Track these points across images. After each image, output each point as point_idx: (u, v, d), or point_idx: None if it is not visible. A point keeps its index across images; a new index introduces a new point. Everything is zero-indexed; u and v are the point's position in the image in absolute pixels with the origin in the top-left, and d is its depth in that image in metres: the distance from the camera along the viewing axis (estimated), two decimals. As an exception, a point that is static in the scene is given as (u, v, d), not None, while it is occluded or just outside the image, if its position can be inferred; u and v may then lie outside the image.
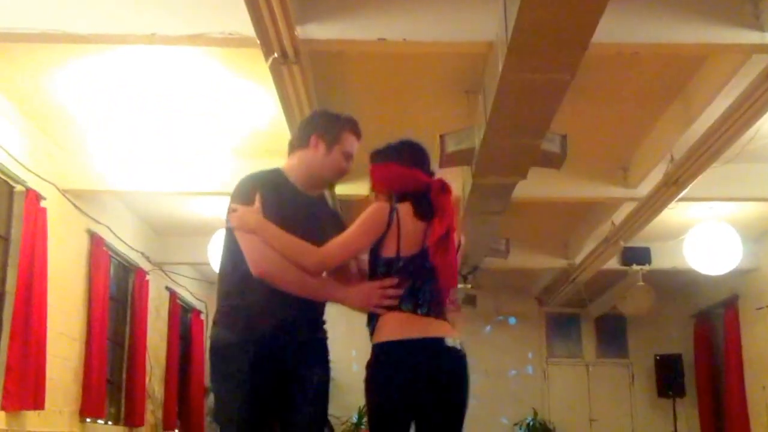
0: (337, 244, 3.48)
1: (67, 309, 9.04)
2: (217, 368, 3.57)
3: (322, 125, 3.73)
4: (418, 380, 3.37)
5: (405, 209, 3.52)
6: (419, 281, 3.49)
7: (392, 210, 3.50)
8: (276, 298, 3.45)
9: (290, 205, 3.58)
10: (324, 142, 3.66)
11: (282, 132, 7.77)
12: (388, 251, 3.48)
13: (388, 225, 3.46)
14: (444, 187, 3.63)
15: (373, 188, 3.74)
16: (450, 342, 3.54)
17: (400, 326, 3.44)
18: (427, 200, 3.55)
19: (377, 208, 3.51)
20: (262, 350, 3.45)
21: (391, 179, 3.66)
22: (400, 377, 3.38)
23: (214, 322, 3.62)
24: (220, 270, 3.70)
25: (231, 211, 3.55)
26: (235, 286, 3.58)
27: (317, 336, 3.68)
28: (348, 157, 3.70)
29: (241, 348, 3.46)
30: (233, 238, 3.56)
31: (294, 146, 3.79)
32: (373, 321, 3.51)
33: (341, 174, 3.73)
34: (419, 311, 3.48)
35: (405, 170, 3.64)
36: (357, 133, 3.78)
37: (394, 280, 3.44)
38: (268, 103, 7.46)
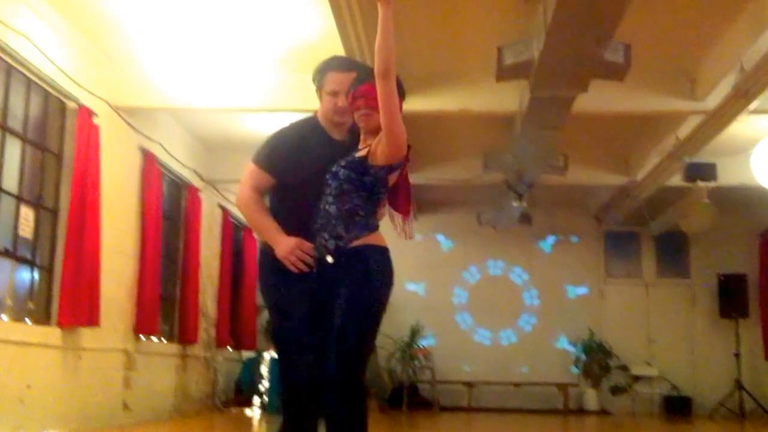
0: None
1: (120, 226, 9.05)
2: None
3: (314, 79, 3.99)
4: None
5: None
6: None
7: None
8: None
9: (307, 152, 3.86)
10: (318, 93, 3.96)
11: (330, 45, 7.57)
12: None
13: None
14: None
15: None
16: None
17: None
18: None
19: None
20: None
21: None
22: None
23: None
24: None
25: None
26: None
27: None
28: (335, 94, 3.87)
29: None
30: None
31: None
32: (360, 230, 3.66)
33: (340, 112, 3.87)
34: None
35: None
36: (338, 68, 3.93)
37: (311, 246, 3.71)
38: (316, 16, 7.26)
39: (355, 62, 4.08)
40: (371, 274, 3.60)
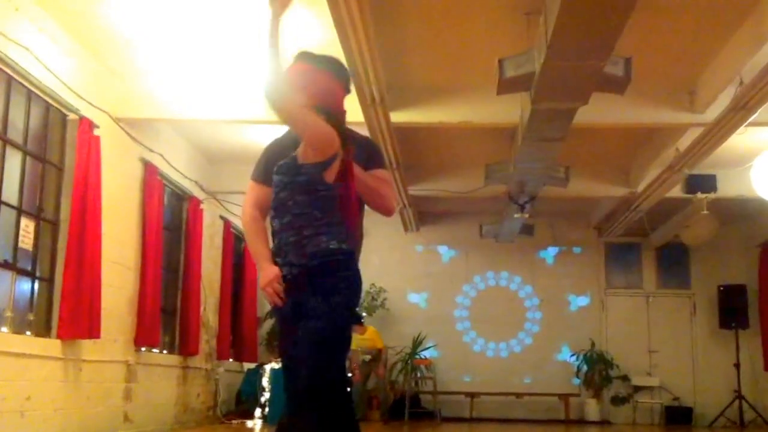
0: None
1: (121, 238, 9.04)
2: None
3: None
4: None
5: None
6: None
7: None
8: None
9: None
10: None
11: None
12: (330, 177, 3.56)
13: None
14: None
15: (310, 96, 3.73)
16: None
17: None
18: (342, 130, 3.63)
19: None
20: None
21: (333, 95, 3.82)
22: None
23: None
24: None
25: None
26: None
27: None
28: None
29: None
30: None
31: None
32: (313, 250, 3.48)
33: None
34: None
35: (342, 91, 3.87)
36: (298, 62, 3.93)
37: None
38: (319, 27, 7.24)
39: (311, 55, 4.04)
40: (337, 287, 3.47)
